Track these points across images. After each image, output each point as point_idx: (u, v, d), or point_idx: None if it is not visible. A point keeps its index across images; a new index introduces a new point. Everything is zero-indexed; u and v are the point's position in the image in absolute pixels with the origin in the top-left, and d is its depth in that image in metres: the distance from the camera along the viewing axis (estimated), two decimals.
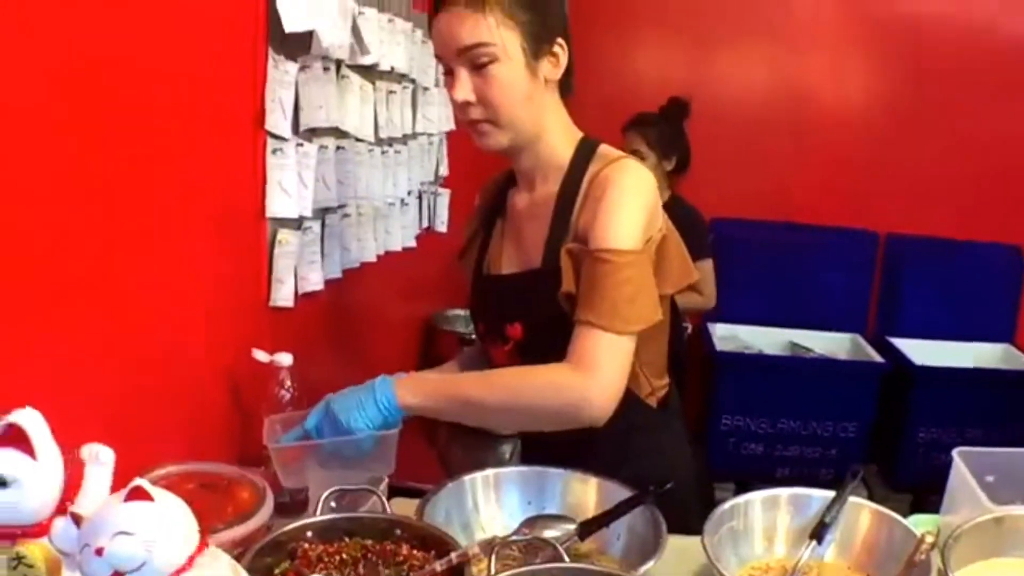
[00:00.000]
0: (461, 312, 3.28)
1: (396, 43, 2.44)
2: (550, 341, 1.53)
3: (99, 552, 0.77)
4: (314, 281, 2.05)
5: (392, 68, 2.43)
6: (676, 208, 3.03)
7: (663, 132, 3.36)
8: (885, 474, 3.99)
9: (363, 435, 1.50)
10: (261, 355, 1.70)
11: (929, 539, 1.38)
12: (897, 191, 4.36)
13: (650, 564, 1.38)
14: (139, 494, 0.80)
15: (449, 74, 1.55)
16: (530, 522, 1.51)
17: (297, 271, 1.97)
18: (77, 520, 0.82)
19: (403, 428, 1.55)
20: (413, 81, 2.68)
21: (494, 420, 1.55)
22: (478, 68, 1.50)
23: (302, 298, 2.00)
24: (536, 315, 1.60)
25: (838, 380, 3.94)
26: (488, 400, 1.52)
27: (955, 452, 1.83)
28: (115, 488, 0.94)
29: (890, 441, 3.99)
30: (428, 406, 1.52)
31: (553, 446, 1.64)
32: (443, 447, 2.53)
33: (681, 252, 1.66)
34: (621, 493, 1.57)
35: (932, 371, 3.93)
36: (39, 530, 0.88)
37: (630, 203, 1.51)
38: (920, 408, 3.90)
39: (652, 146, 3.31)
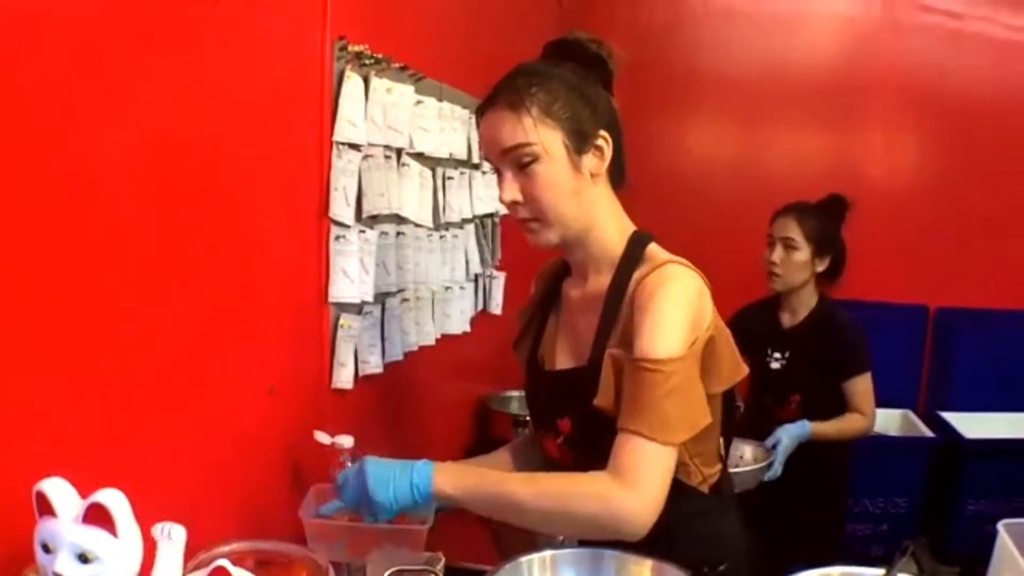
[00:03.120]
0: (515, 393, 3.28)
1: (454, 129, 2.50)
2: (598, 437, 1.49)
3: None
4: (374, 364, 2.08)
5: (450, 154, 2.48)
6: (825, 316, 2.93)
7: (824, 226, 2.93)
8: (934, 546, 3.96)
9: (381, 516, 1.49)
10: (323, 437, 1.73)
11: None
12: (945, 264, 4.37)
13: None
14: (221, 574, 0.82)
15: (497, 173, 1.55)
16: None
17: (357, 354, 2.00)
18: None
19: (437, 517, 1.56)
20: (475, 166, 2.74)
21: (531, 523, 1.50)
22: (522, 168, 1.51)
23: (362, 380, 2.03)
24: (584, 411, 1.55)
25: (889, 456, 3.93)
26: (528, 504, 1.46)
27: (1000, 525, 1.80)
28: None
29: (940, 513, 3.98)
30: (464, 499, 1.48)
31: None
32: (496, 525, 2.52)
33: (731, 349, 1.60)
34: (675, 575, 1.56)
35: (981, 443, 3.92)
36: None
37: (674, 312, 1.46)
38: (969, 480, 3.90)
39: (809, 238, 2.89)
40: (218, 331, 1.51)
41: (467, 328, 2.79)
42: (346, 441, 1.73)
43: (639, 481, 1.41)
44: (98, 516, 0.87)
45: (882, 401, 4.14)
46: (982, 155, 4.30)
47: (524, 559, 1.65)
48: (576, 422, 1.60)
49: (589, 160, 1.54)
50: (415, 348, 2.34)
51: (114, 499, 0.87)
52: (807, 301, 2.96)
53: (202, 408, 1.48)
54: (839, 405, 2.88)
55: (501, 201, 1.55)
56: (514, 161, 1.51)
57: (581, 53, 1.59)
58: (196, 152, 1.43)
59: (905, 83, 4.36)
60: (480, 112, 1.56)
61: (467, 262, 2.76)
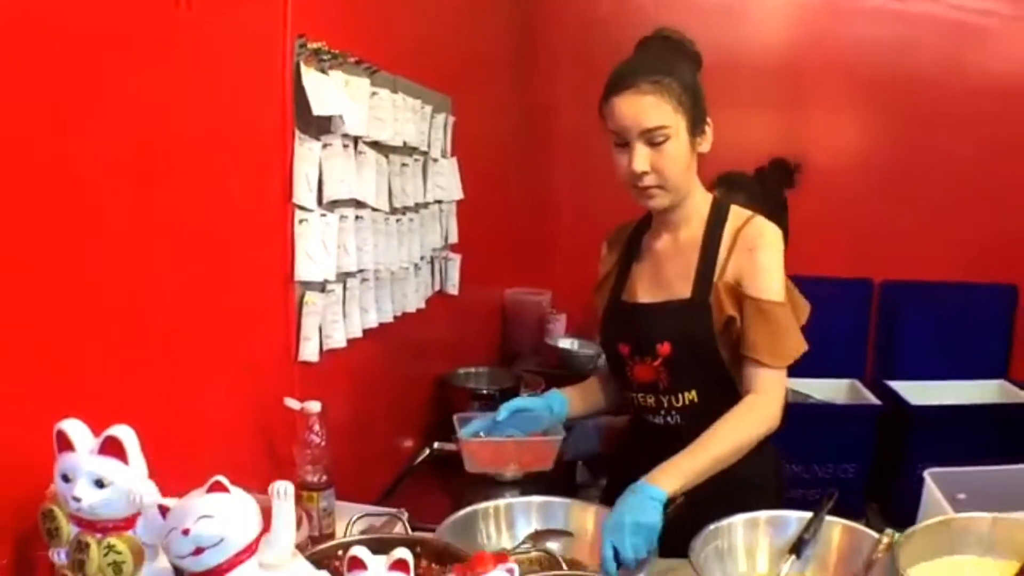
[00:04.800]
0: (471, 370, 3.45)
1: (407, 120, 2.66)
2: (692, 357, 1.91)
3: (185, 532, 0.97)
4: (337, 339, 2.24)
5: (404, 143, 2.64)
6: None
7: (754, 198, 2.67)
8: (885, 512, 4.06)
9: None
10: (293, 403, 1.90)
11: (886, 539, 1.54)
12: (890, 239, 4.47)
13: (641, 574, 1.55)
14: (218, 487, 1.00)
15: (621, 146, 1.85)
16: (534, 535, 1.68)
17: (322, 330, 2.17)
18: (163, 511, 1.01)
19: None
20: (424, 153, 2.90)
21: (729, 462, 1.83)
22: (655, 144, 1.82)
23: (326, 354, 2.19)
24: (684, 335, 1.91)
25: (837, 424, 4.04)
26: (727, 457, 1.81)
27: (927, 473, 1.98)
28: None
29: (889, 480, 4.07)
30: (690, 483, 1.76)
31: None
32: (455, 492, 2.69)
33: (794, 290, 2.02)
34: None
35: (927, 410, 4.01)
36: (126, 524, 1.07)
37: (778, 257, 1.91)
38: (917, 446, 3.96)
39: None
40: (192, 306, 1.68)
41: (422, 306, 2.94)
42: (314, 406, 1.89)
43: (773, 400, 1.87)
44: (111, 448, 1.03)
45: (830, 372, 4.26)
46: (926, 134, 4.38)
47: (480, 507, 1.84)
48: (676, 344, 1.92)
49: (700, 141, 1.89)
50: (375, 325, 2.50)
51: (125, 433, 1.04)
52: None
53: (180, 377, 1.64)
54: None
55: (622, 168, 1.86)
56: (649, 139, 1.82)
57: (681, 49, 1.94)
58: (169, 144, 1.59)
59: (850, 63, 4.42)
60: (616, 93, 1.84)
61: (421, 244, 2.91)
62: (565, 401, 2.04)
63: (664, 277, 2.00)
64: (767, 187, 2.88)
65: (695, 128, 1.87)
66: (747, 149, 3.96)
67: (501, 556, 0.97)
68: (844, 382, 4.42)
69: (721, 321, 1.89)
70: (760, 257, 1.88)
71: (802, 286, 3.04)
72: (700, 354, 1.91)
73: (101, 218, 1.40)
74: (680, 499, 1.73)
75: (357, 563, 0.96)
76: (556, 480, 2.56)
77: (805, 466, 3.96)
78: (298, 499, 1.83)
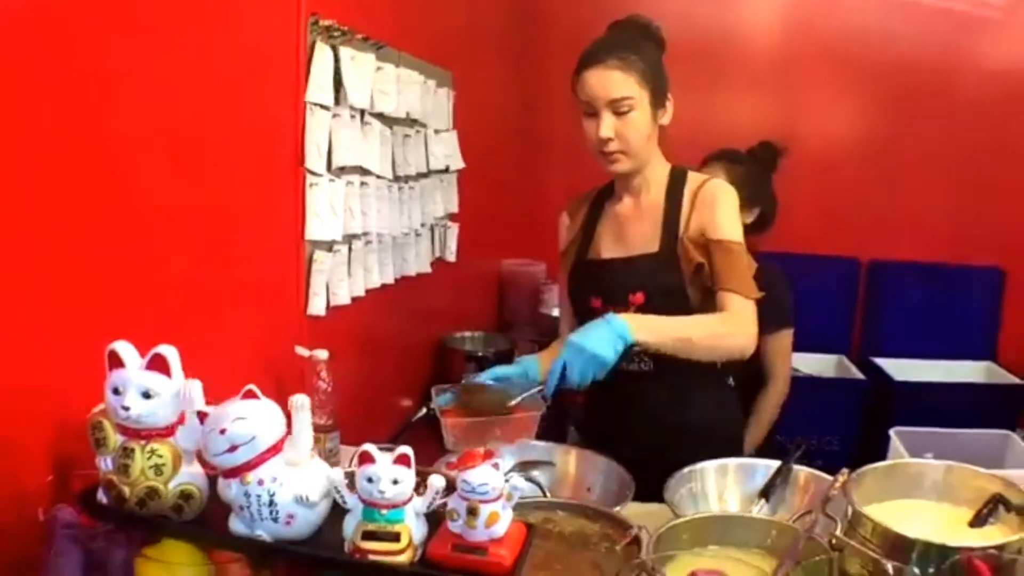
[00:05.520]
0: (467, 334, 3.60)
1: (410, 93, 2.78)
2: (664, 303, 2.07)
3: (222, 432, 1.13)
4: (342, 296, 2.39)
5: (407, 114, 2.77)
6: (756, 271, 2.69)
7: (751, 175, 2.82)
8: None
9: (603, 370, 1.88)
10: (302, 350, 2.05)
11: (841, 478, 1.67)
12: (877, 219, 4.54)
13: (617, 509, 1.69)
14: (250, 394, 1.16)
15: (590, 115, 2.05)
16: (519, 465, 1.84)
17: (329, 287, 2.31)
18: (202, 417, 1.18)
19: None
20: (425, 125, 3.02)
21: (695, 354, 2.02)
22: (619, 114, 2.03)
23: (333, 310, 2.33)
24: (656, 284, 2.10)
25: (823, 397, 4.09)
26: (697, 342, 2.00)
27: (892, 432, 2.09)
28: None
29: (873, 455, 4.17)
30: (654, 342, 1.95)
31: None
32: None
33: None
34: (597, 459, 1.92)
35: (910, 385, 4.11)
36: (168, 432, 1.22)
37: (735, 208, 2.12)
38: (899, 420, 3.92)
39: (736, 186, 2.52)
40: (211, 264, 1.82)
41: (424, 270, 3.07)
42: (322, 354, 2.04)
43: (748, 322, 2.04)
44: (158, 364, 1.19)
45: (818, 347, 4.27)
46: (913, 115, 4.44)
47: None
48: (649, 292, 2.11)
49: (661, 114, 2.10)
50: (378, 285, 2.63)
51: (170, 351, 1.20)
52: None
53: (200, 326, 1.78)
54: (756, 362, 2.84)
55: (590, 135, 2.07)
56: (616, 108, 2.03)
57: (647, 32, 2.13)
58: (192, 116, 1.72)
59: (841, 46, 4.47)
60: (586, 67, 2.05)
61: (422, 212, 3.04)
62: (538, 366, 2.11)
63: (628, 237, 2.19)
64: (760, 165, 2.94)
65: (657, 101, 2.07)
66: (736, 129, 3.99)
67: (488, 453, 1.13)
68: (831, 357, 4.51)
69: (690, 270, 2.08)
70: (719, 208, 2.09)
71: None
72: (672, 301, 2.08)
73: (125, 179, 1.53)
74: (638, 348, 1.93)
75: (367, 457, 1.12)
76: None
77: (790, 437, 4.02)
78: None
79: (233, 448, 1.13)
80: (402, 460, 1.11)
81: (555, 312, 4.17)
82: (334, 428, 2.05)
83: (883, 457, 3.99)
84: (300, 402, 1.18)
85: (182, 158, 1.70)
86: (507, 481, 1.13)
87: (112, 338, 1.22)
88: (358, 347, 2.59)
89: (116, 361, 1.18)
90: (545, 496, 1.66)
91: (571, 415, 2.77)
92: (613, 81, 2.02)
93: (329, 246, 2.30)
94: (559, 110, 4.54)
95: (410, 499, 1.14)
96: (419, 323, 3.24)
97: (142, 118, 1.56)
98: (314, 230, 2.20)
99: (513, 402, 1.89)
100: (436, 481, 1.14)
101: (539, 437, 2.06)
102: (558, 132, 4.50)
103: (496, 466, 1.12)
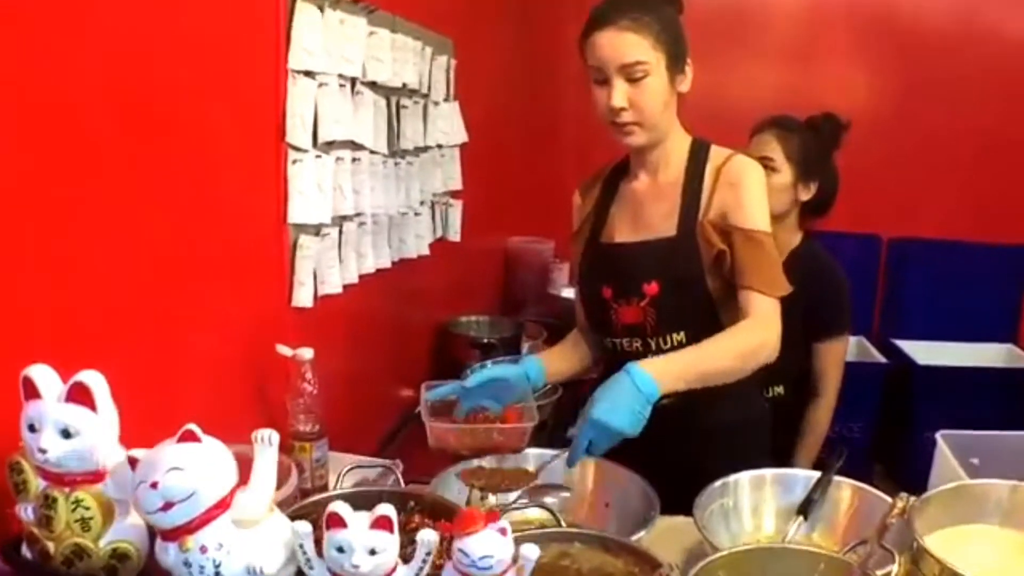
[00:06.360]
0: (472, 318, 3.42)
1: (407, 61, 2.58)
2: (681, 295, 1.89)
3: (154, 486, 0.90)
4: (332, 284, 2.18)
5: (404, 84, 2.56)
6: (807, 261, 2.49)
7: (808, 146, 2.53)
8: (891, 472, 4.05)
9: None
10: (284, 349, 1.84)
11: (900, 504, 1.48)
12: (898, 195, 4.45)
13: (641, 534, 1.50)
14: (189, 436, 0.93)
15: (600, 83, 1.84)
16: (531, 491, 1.64)
17: (316, 275, 2.10)
18: (133, 463, 0.95)
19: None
20: (425, 96, 2.82)
21: (725, 380, 1.81)
22: (634, 81, 1.81)
23: (321, 300, 2.13)
24: (671, 273, 1.90)
25: (844, 381, 4.00)
26: (721, 367, 1.79)
27: (939, 435, 1.94)
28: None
29: (895, 440, 4.05)
30: (681, 387, 1.73)
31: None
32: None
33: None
34: (617, 472, 1.72)
35: (934, 370, 4.00)
36: (95, 477, 1.01)
37: (763, 193, 1.89)
38: (923, 407, 3.96)
39: (791, 158, 2.49)
40: (182, 250, 1.61)
41: (424, 252, 2.88)
42: (306, 353, 1.83)
43: (772, 327, 1.81)
44: (78, 395, 0.97)
45: None
46: (937, 89, 4.37)
47: (476, 461, 1.79)
48: (664, 282, 1.90)
49: (680, 80, 1.88)
50: (372, 271, 2.44)
51: (94, 379, 0.98)
52: (786, 239, 2.49)
53: (170, 322, 1.57)
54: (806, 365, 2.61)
55: (601, 104, 1.85)
56: (628, 74, 1.81)
57: None
58: (159, 81, 1.51)
59: (863, 17, 4.41)
60: (595, 29, 1.83)
61: (421, 189, 2.84)
62: (542, 368, 1.97)
63: (645, 218, 1.98)
64: (820, 137, 2.62)
65: (674, 66, 1.86)
66: (755, 101, 3.93)
67: (492, 514, 0.90)
68: (852, 339, 4.33)
69: (710, 256, 1.87)
70: (745, 190, 1.87)
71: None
72: (689, 292, 1.90)
73: (81, 153, 1.33)
74: (666, 401, 1.70)
75: (336, 520, 0.90)
76: (553, 429, 2.54)
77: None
78: (290, 450, 1.82)
79: (168, 506, 0.92)
80: (381, 524, 0.89)
81: (564, 293, 4.04)
82: (321, 435, 1.84)
83: (909, 449, 4.00)
84: (266, 437, 0.96)
85: (141, 130, 1.48)
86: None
87: (52, 348, 1.00)
88: (351, 339, 2.41)
89: (31, 391, 0.96)
90: (560, 525, 1.45)
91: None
92: (626, 44, 1.80)
93: (316, 229, 2.10)
94: (569, 77, 4.51)
95: (393, 570, 0.91)
96: (419, 308, 3.07)
97: (97, 83, 1.35)
98: (298, 212, 1.99)
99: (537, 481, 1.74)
100: (427, 537, 0.92)
101: (549, 444, 1.89)
102: (568, 101, 4.45)
103: (504, 531, 0.89)
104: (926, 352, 4.17)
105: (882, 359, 4.16)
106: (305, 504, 1.42)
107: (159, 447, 0.94)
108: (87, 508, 0.99)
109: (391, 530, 0.89)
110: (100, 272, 1.38)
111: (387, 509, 0.89)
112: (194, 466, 0.92)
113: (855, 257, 4.46)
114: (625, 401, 1.64)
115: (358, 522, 0.89)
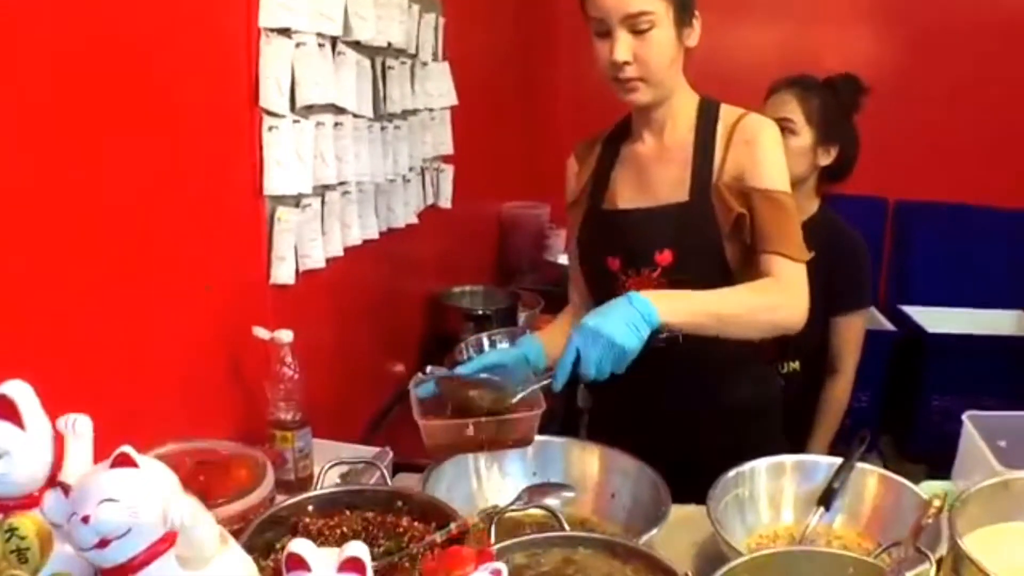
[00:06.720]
0: (467, 288, 3.30)
1: (392, 18, 2.42)
2: (697, 265, 1.76)
3: (85, 520, 0.77)
4: (315, 259, 2.04)
5: (389, 44, 2.41)
6: (825, 229, 2.38)
7: (828, 108, 2.41)
8: (899, 444, 3.96)
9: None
10: (262, 332, 1.70)
11: (937, 503, 1.37)
12: (906, 156, 4.33)
13: (653, 532, 1.39)
14: (124, 460, 0.79)
15: (602, 35, 1.71)
16: (531, 490, 1.51)
17: (298, 249, 1.97)
18: (66, 490, 0.82)
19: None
20: (412, 56, 2.67)
21: (735, 333, 1.69)
22: (638, 33, 1.68)
23: (303, 276, 2.00)
24: (687, 240, 1.77)
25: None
26: (731, 312, 1.65)
27: (966, 416, 1.82)
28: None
29: (904, 411, 3.96)
30: (686, 323, 1.60)
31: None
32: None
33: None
34: (623, 460, 1.60)
35: (944, 338, 3.89)
36: (30, 502, 0.88)
37: (781, 152, 1.77)
38: (933, 376, 3.86)
39: (811, 120, 2.38)
40: (144, 224, 1.47)
41: (413, 220, 2.74)
42: (285, 336, 1.70)
43: (798, 291, 1.69)
44: (3, 411, 0.83)
45: None
46: (944, 50, 4.29)
47: (470, 457, 1.66)
48: (679, 251, 1.77)
49: (687, 34, 1.75)
50: (359, 242, 2.30)
51: (19, 391, 0.84)
52: (804, 206, 2.34)
53: (133, 307, 1.44)
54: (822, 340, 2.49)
55: (603, 59, 1.73)
56: (632, 26, 1.68)
57: None
58: (114, 41, 1.36)
59: None
60: None
61: (410, 155, 2.70)
62: (541, 348, 1.83)
63: (651, 182, 1.85)
64: (839, 99, 2.48)
65: (682, 18, 1.73)
66: (758, 62, 3.83)
67: (485, 553, 0.77)
68: None
69: (729, 222, 1.74)
70: (761, 148, 1.75)
71: None
72: (705, 261, 1.77)
73: (25, 118, 1.19)
74: (665, 335, 1.57)
75: (297, 562, 0.76)
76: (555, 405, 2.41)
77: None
78: (271, 440, 1.70)
79: (104, 543, 0.77)
80: (349, 567, 0.74)
81: (561, 259, 3.93)
82: (303, 424, 1.72)
83: (917, 419, 3.91)
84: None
85: (95, 97, 1.33)
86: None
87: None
88: (337, 317, 2.27)
89: None
90: (563, 528, 1.32)
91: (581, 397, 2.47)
92: None
93: (296, 201, 1.96)
94: (565, 35, 4.38)
95: None
96: (410, 279, 2.95)
97: (51, 40, 1.21)
98: (275, 183, 1.84)
99: (515, 399, 1.57)
100: None
101: (551, 431, 1.75)
102: (564, 61, 4.43)
103: (497, 572, 0.75)
104: (935, 319, 4.06)
105: (890, 327, 4.04)
106: (280, 508, 1.29)
107: (92, 472, 0.80)
108: (22, 537, 0.85)
109: (363, 573, 0.75)
110: (49, 253, 1.24)
111: (357, 550, 0.75)
112: (130, 496, 0.78)
113: (861, 221, 4.29)
114: (619, 312, 1.52)
115: (323, 564, 0.75)
